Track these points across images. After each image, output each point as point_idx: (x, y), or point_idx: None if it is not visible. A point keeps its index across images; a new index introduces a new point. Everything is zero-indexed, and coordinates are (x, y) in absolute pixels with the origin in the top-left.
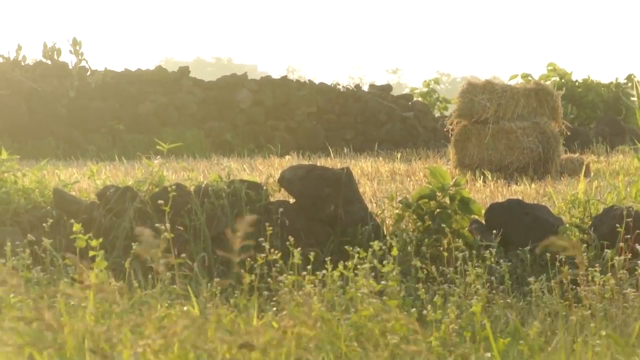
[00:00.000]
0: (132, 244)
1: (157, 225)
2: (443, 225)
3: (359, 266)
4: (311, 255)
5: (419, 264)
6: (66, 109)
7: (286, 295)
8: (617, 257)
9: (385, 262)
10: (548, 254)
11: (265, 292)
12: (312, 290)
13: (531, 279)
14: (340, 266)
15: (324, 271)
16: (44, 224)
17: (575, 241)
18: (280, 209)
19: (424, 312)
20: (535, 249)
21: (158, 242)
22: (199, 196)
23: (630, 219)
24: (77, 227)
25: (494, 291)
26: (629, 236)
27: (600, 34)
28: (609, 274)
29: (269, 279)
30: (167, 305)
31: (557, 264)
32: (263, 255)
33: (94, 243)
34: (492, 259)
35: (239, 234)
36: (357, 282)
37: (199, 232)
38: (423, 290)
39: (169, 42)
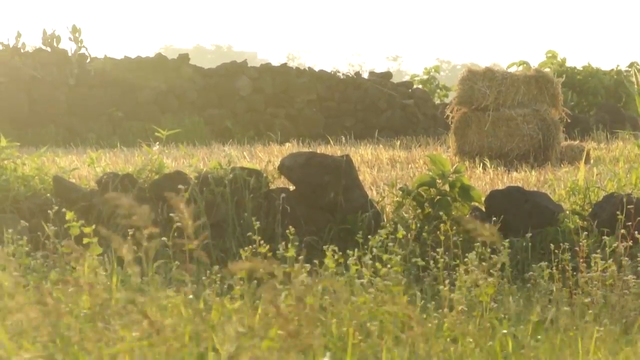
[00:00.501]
0: (129, 230)
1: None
2: (442, 212)
3: (361, 254)
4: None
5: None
6: (66, 96)
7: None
8: (617, 244)
9: (388, 246)
10: (552, 244)
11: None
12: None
13: (534, 266)
14: (351, 254)
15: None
16: (49, 212)
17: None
18: (282, 195)
19: (426, 299)
20: (535, 235)
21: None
22: (199, 183)
23: (631, 206)
24: (69, 215)
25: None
26: (629, 223)
27: (602, 22)
28: (610, 261)
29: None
30: (165, 294)
31: (558, 251)
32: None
33: (87, 230)
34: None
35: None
36: (360, 269)
37: (197, 220)
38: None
39: (169, 30)
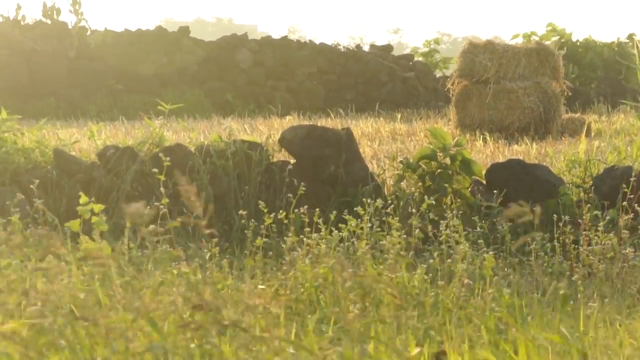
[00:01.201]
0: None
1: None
2: (445, 184)
3: (362, 224)
4: (316, 216)
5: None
6: (66, 69)
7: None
8: (618, 216)
9: (388, 219)
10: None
11: (270, 253)
12: (319, 248)
13: (533, 238)
14: (348, 223)
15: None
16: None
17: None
18: (289, 167)
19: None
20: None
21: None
22: (201, 156)
23: (632, 179)
24: (84, 199)
25: (494, 251)
26: (630, 196)
27: None
28: (611, 234)
29: (271, 240)
30: (166, 269)
31: (560, 224)
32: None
33: (97, 208)
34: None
35: None
36: (361, 241)
37: (199, 193)
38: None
39: (169, 2)
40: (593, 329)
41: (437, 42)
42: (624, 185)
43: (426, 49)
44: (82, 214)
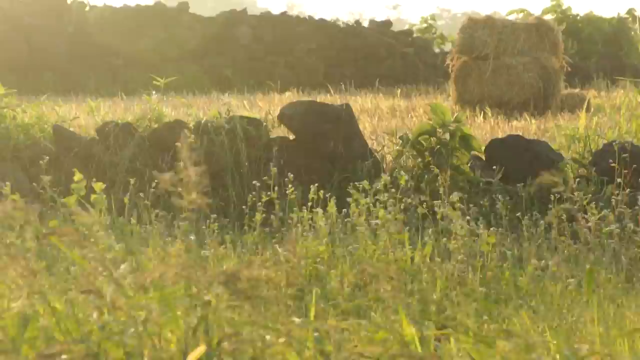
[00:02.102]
0: (131, 180)
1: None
2: (449, 157)
3: (360, 201)
4: (315, 192)
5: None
6: (65, 44)
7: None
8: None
9: (386, 196)
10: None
11: (267, 229)
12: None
13: (527, 216)
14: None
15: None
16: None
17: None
18: (287, 144)
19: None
20: (535, 184)
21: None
22: (199, 132)
23: (629, 155)
24: (78, 176)
25: (492, 227)
26: (628, 171)
27: None
28: (609, 210)
29: (272, 216)
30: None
31: (557, 200)
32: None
33: (97, 187)
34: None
35: None
36: (361, 217)
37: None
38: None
39: None
40: (591, 304)
41: (433, 18)
42: (619, 160)
43: (423, 25)
44: (76, 192)
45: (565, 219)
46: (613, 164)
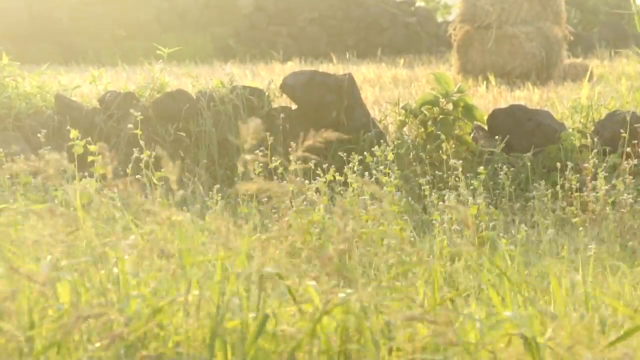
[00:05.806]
0: (134, 149)
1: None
2: (452, 127)
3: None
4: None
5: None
6: (67, 14)
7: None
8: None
9: (385, 167)
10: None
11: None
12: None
13: (535, 185)
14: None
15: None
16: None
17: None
18: (282, 115)
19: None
20: (538, 154)
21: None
22: (204, 101)
23: (635, 124)
24: (74, 133)
25: (495, 198)
26: (633, 141)
27: None
28: (614, 180)
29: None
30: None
31: (562, 170)
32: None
33: (92, 148)
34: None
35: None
36: (358, 187)
37: (200, 139)
38: (425, 191)
39: None
40: (592, 272)
41: None
42: (622, 130)
43: None
44: (74, 150)
45: (573, 188)
46: (623, 134)
